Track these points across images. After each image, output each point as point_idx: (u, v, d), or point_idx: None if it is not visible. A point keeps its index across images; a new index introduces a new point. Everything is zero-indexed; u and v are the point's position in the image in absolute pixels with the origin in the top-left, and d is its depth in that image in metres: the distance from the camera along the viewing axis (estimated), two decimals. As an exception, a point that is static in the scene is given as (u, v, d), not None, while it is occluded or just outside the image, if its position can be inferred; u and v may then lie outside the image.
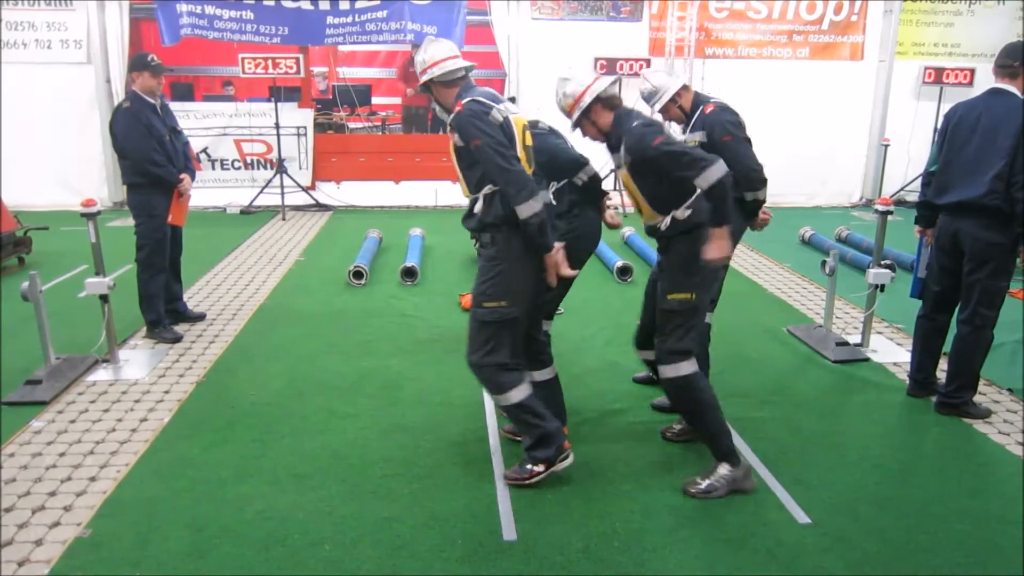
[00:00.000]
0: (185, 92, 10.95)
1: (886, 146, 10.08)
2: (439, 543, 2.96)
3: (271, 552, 2.89)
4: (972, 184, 3.74)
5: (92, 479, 3.37)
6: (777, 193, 10.31)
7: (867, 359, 4.84)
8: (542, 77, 9.90)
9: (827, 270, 4.96)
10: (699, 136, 3.91)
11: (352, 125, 11.07)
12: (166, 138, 5.07)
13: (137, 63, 5.02)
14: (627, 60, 9.68)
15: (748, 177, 3.84)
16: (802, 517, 3.15)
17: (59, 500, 3.22)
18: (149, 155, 4.93)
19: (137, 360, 4.75)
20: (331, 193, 10.11)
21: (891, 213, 4.80)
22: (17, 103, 9.36)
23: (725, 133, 3.83)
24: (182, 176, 5.12)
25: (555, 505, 3.19)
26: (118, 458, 3.56)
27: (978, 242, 3.77)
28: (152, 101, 5.02)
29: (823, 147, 10.45)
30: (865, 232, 8.14)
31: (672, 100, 4.04)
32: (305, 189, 9.92)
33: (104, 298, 4.48)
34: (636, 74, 9.68)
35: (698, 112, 3.97)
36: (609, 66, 9.65)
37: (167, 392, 4.32)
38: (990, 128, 3.69)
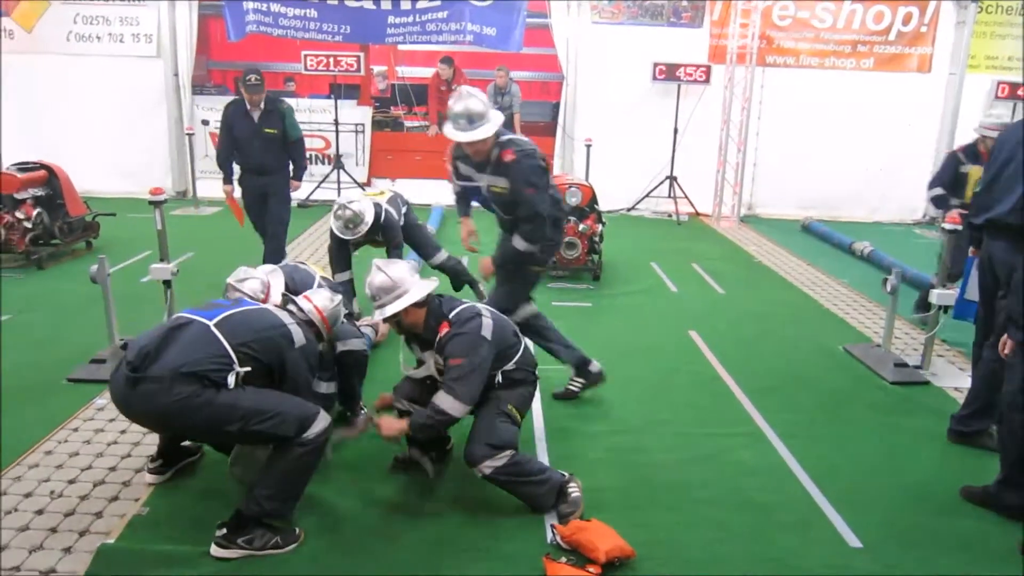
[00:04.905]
0: (249, 87, 11.20)
1: (953, 162, 9.74)
2: (482, 542, 2.98)
3: (319, 539, 2.95)
4: (1002, 203, 3.60)
5: (151, 457, 3.48)
6: (835, 207, 10.25)
7: (927, 382, 4.69)
8: (600, 81, 9.90)
9: (888, 288, 4.82)
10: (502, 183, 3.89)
11: (409, 123, 11.19)
12: (244, 138, 5.94)
13: (240, 78, 6.07)
14: (686, 66, 9.58)
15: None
16: (853, 541, 3.07)
17: (119, 475, 3.34)
18: (217, 151, 6.26)
19: (195, 345, 4.87)
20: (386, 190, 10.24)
21: (957, 232, 4.64)
22: (90, 94, 9.77)
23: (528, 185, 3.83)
24: (227, 186, 6.19)
25: (598, 512, 3.16)
26: (175, 439, 3.67)
27: (1005, 265, 3.60)
28: (247, 107, 5.89)
29: (886, 161, 10.17)
30: (928, 250, 7.90)
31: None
32: (361, 185, 10.07)
33: (167, 283, 4.62)
34: (696, 81, 9.58)
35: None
36: (668, 72, 9.56)
37: (222, 378, 4.42)
38: None
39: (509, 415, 3.16)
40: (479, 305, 3.28)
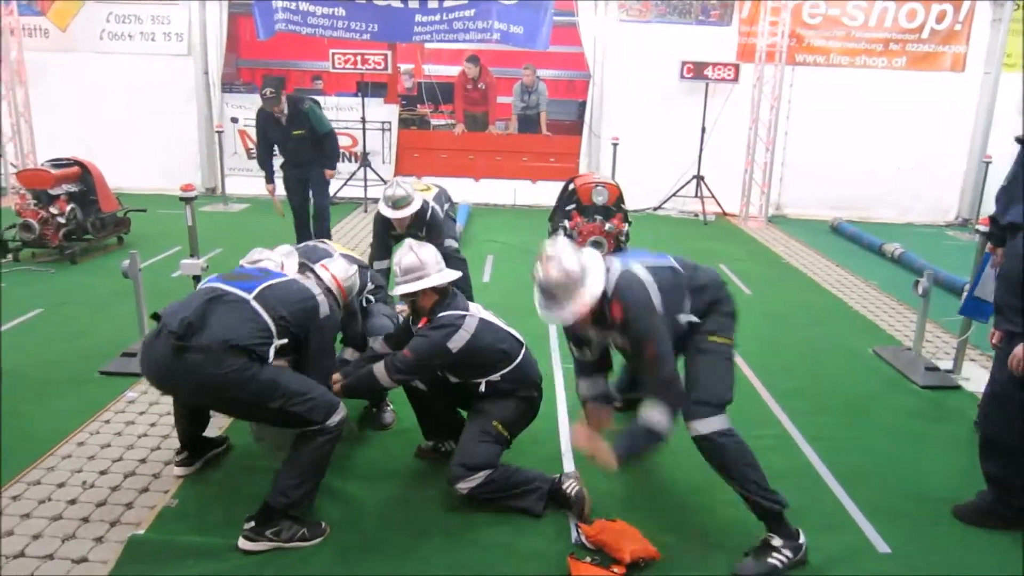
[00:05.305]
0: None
1: (988, 163, 9.54)
2: (507, 540, 2.98)
3: (344, 533, 2.98)
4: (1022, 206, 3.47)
5: (177, 450, 3.53)
6: (865, 208, 10.10)
7: (958, 387, 4.60)
8: (627, 80, 9.84)
9: (920, 291, 4.74)
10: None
11: (435, 122, 11.22)
12: (279, 141, 6.50)
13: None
14: (715, 65, 9.49)
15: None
16: (882, 546, 3.02)
17: (149, 468, 3.40)
18: (257, 154, 6.94)
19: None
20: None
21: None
22: (122, 92, 9.92)
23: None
24: (269, 185, 6.78)
25: (623, 512, 3.15)
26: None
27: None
28: (276, 115, 6.34)
29: (917, 161, 10.00)
30: (961, 254, 7.76)
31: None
32: (387, 183, 10.12)
33: (197, 279, 4.67)
34: (724, 79, 9.48)
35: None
36: (696, 70, 9.48)
37: (250, 372, 4.48)
38: None
39: (492, 434, 3.14)
40: (479, 315, 3.19)
